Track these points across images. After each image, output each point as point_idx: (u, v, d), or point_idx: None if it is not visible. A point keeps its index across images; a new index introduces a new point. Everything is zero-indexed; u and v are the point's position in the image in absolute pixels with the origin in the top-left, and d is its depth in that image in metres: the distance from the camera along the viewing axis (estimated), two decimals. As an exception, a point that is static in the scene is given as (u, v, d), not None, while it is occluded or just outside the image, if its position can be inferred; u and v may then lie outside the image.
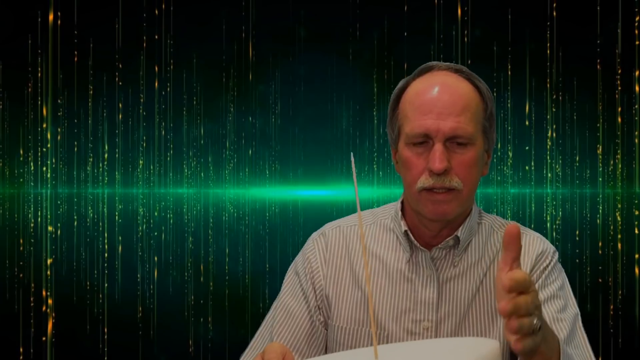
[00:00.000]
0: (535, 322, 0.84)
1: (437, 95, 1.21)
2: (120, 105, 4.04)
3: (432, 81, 1.24)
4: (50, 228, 4.06)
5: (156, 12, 3.95)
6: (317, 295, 1.35)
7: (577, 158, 3.97)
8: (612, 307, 3.76)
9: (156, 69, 4.00)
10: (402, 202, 1.34)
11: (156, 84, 4.02)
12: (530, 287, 0.84)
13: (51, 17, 3.93)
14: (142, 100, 4.04)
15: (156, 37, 3.97)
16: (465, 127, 1.20)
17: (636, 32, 3.82)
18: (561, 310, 1.24)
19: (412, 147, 1.22)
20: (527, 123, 3.97)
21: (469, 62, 3.88)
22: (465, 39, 3.90)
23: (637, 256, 3.88)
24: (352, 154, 0.90)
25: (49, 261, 3.95)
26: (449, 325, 1.27)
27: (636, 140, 3.89)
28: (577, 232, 4.02)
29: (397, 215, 1.32)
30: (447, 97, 1.21)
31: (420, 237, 1.30)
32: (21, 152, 4.01)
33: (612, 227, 4.01)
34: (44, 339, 3.71)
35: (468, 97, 1.23)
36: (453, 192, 1.21)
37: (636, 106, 3.87)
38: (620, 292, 3.81)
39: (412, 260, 1.30)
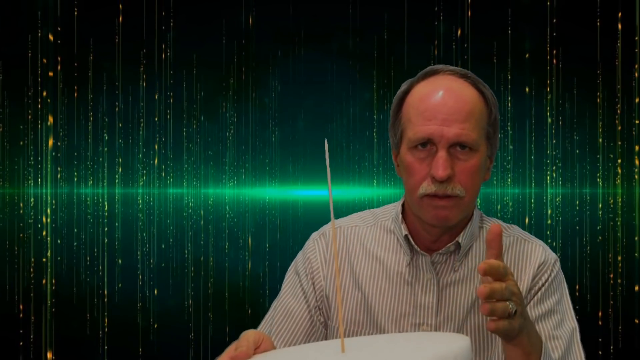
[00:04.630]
0: (510, 306, 0.95)
1: (442, 101, 1.19)
2: (120, 105, 4.04)
3: (437, 85, 1.22)
4: (49, 228, 4.06)
5: (156, 12, 3.95)
6: (317, 295, 1.34)
7: (577, 158, 3.97)
8: (611, 307, 3.76)
9: (156, 68, 4.00)
10: (403, 205, 1.33)
11: (156, 84, 4.02)
12: (506, 276, 0.96)
13: (51, 16, 3.93)
14: (142, 100, 4.04)
15: (156, 37, 3.97)
16: (469, 134, 1.18)
17: (636, 31, 3.82)
18: (557, 326, 1.23)
19: (415, 152, 1.20)
20: (526, 123, 3.97)
21: (467, 59, 3.88)
22: (465, 39, 3.90)
23: (637, 256, 3.88)
24: (325, 140, 0.88)
25: (48, 262, 3.95)
26: (448, 329, 1.27)
27: (636, 141, 3.90)
28: (577, 232, 4.02)
29: (397, 218, 1.32)
30: (452, 102, 1.19)
31: (421, 241, 1.29)
32: (21, 152, 4.01)
33: (611, 227, 4.01)
34: (43, 338, 3.71)
35: (473, 103, 1.21)
36: (455, 199, 1.19)
37: (636, 105, 3.87)
38: (619, 292, 3.81)
39: (412, 263, 1.30)
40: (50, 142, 4.02)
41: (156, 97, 4.03)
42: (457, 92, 1.20)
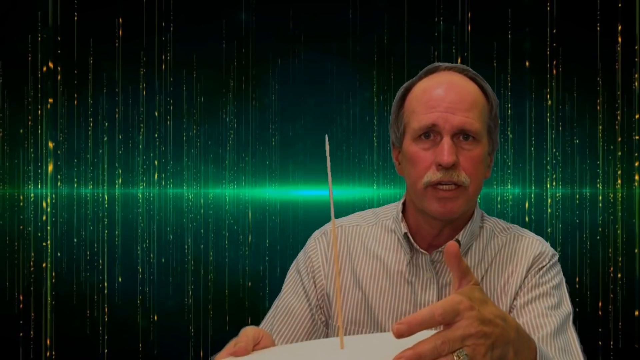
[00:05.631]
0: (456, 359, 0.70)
1: (445, 93, 1.21)
2: (120, 106, 4.04)
3: (439, 80, 1.24)
4: (49, 228, 4.06)
5: (156, 12, 3.95)
6: (318, 294, 1.34)
7: (577, 158, 3.98)
8: (611, 307, 3.76)
9: (156, 69, 4.01)
10: (404, 203, 1.33)
11: (156, 84, 4.02)
12: (455, 317, 0.71)
13: (51, 17, 3.93)
14: (142, 100, 4.04)
15: (156, 37, 3.97)
16: (473, 122, 1.19)
17: (636, 32, 3.82)
18: (552, 307, 1.22)
19: (419, 142, 1.21)
20: (527, 123, 3.97)
21: (467, 59, 3.88)
22: (465, 40, 3.90)
23: (637, 255, 3.88)
24: (326, 136, 0.86)
25: (48, 259, 3.95)
26: None
27: (636, 139, 3.90)
28: (577, 232, 4.03)
29: (397, 217, 1.32)
30: (455, 94, 1.20)
31: (421, 239, 1.29)
32: (21, 152, 4.01)
33: (611, 227, 4.02)
34: (43, 337, 3.71)
35: (475, 95, 1.23)
36: (460, 189, 1.19)
37: (637, 107, 3.87)
38: (619, 292, 3.81)
39: (412, 262, 1.29)
40: (51, 144, 4.02)
41: (155, 96, 4.03)
42: (459, 85, 1.22)
